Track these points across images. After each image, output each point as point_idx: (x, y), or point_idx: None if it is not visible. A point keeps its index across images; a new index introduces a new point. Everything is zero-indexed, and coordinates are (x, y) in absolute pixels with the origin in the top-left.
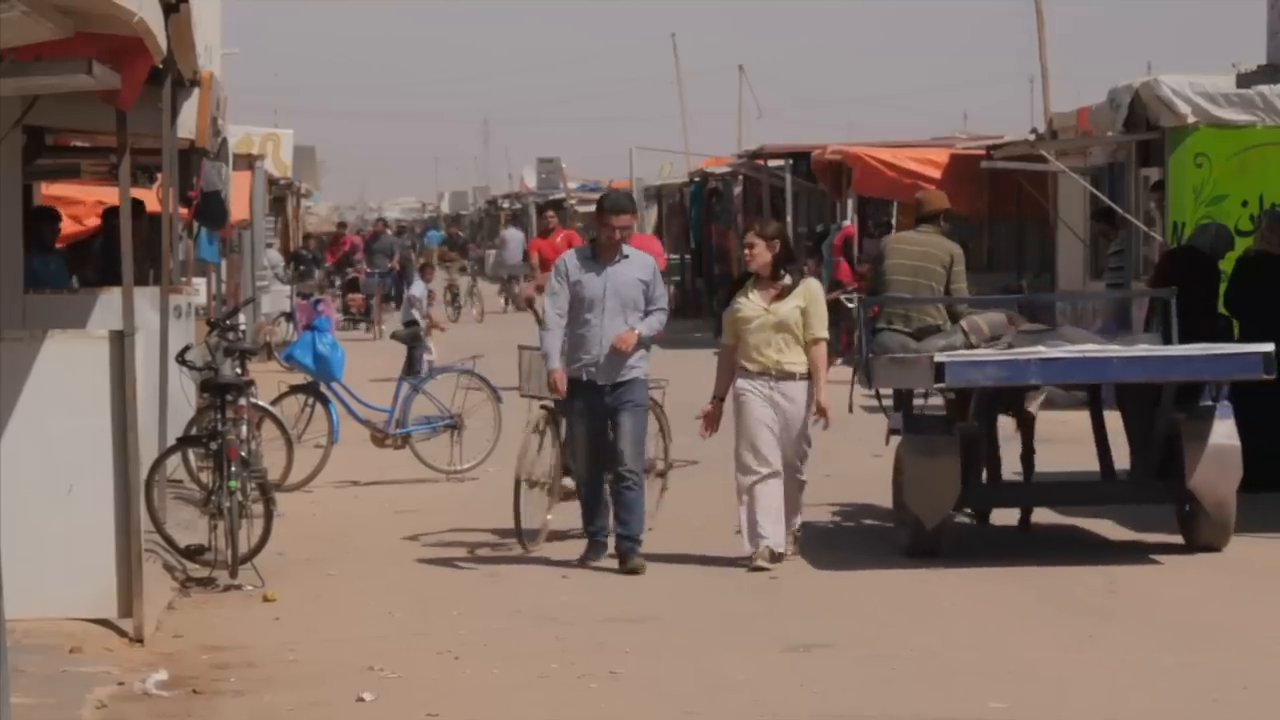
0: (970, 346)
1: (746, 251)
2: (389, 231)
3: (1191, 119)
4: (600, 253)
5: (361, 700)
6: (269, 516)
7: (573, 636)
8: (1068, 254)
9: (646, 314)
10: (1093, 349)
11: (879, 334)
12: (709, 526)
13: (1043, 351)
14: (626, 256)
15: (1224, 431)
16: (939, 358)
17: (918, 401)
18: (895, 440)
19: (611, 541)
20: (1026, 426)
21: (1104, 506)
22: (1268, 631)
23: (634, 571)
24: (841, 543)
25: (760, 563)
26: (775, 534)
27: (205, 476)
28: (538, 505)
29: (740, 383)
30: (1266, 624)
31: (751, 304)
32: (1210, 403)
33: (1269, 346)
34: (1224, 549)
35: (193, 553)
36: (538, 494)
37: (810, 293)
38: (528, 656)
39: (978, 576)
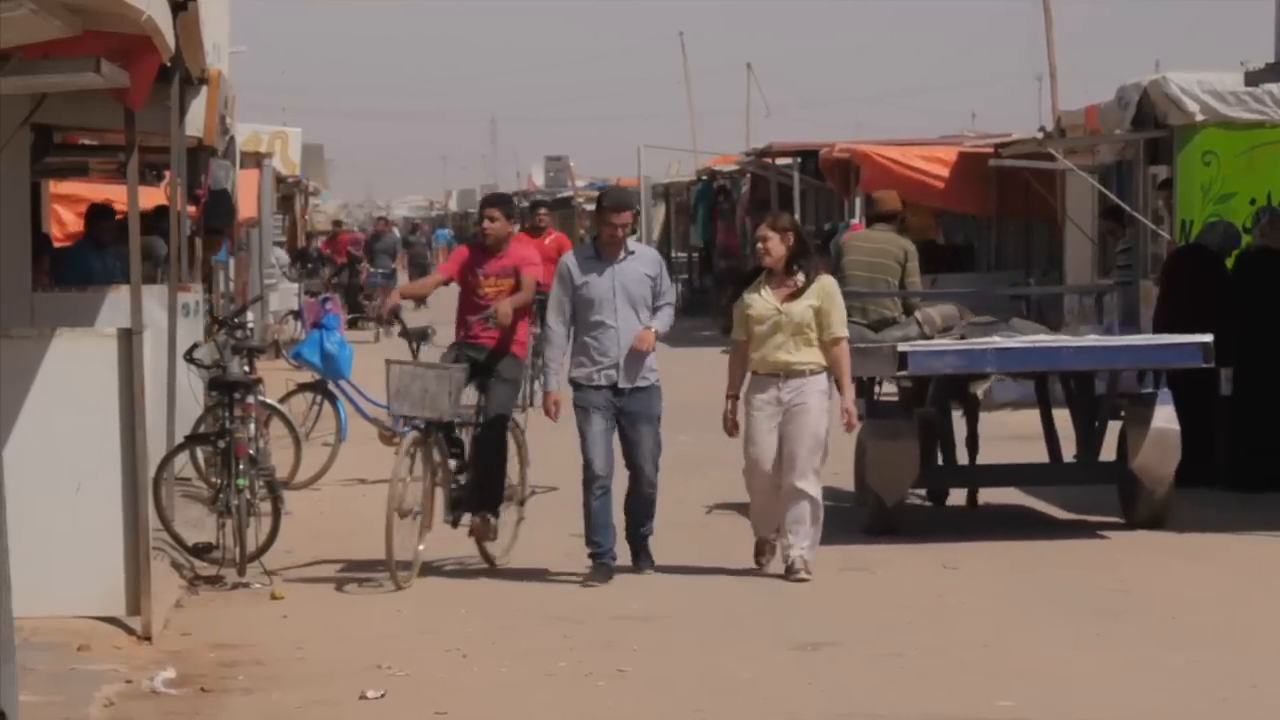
0: (925, 337)
1: (760, 246)
2: (394, 230)
3: (1200, 117)
4: (603, 250)
5: (367, 698)
6: (277, 515)
7: (580, 635)
8: (1076, 252)
9: (657, 309)
10: (1044, 339)
11: None
12: (716, 524)
13: (998, 342)
14: (632, 253)
15: (1164, 416)
16: (901, 347)
17: None
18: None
19: (607, 558)
20: (971, 411)
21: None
22: (1277, 630)
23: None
24: (847, 540)
25: (770, 569)
26: (788, 543)
27: (213, 475)
28: (408, 535)
29: (751, 390)
30: (1276, 623)
31: (763, 302)
32: (1152, 390)
33: (1208, 337)
34: (1164, 526)
35: (201, 551)
36: (408, 524)
37: (826, 290)
38: (536, 654)
39: (985, 576)
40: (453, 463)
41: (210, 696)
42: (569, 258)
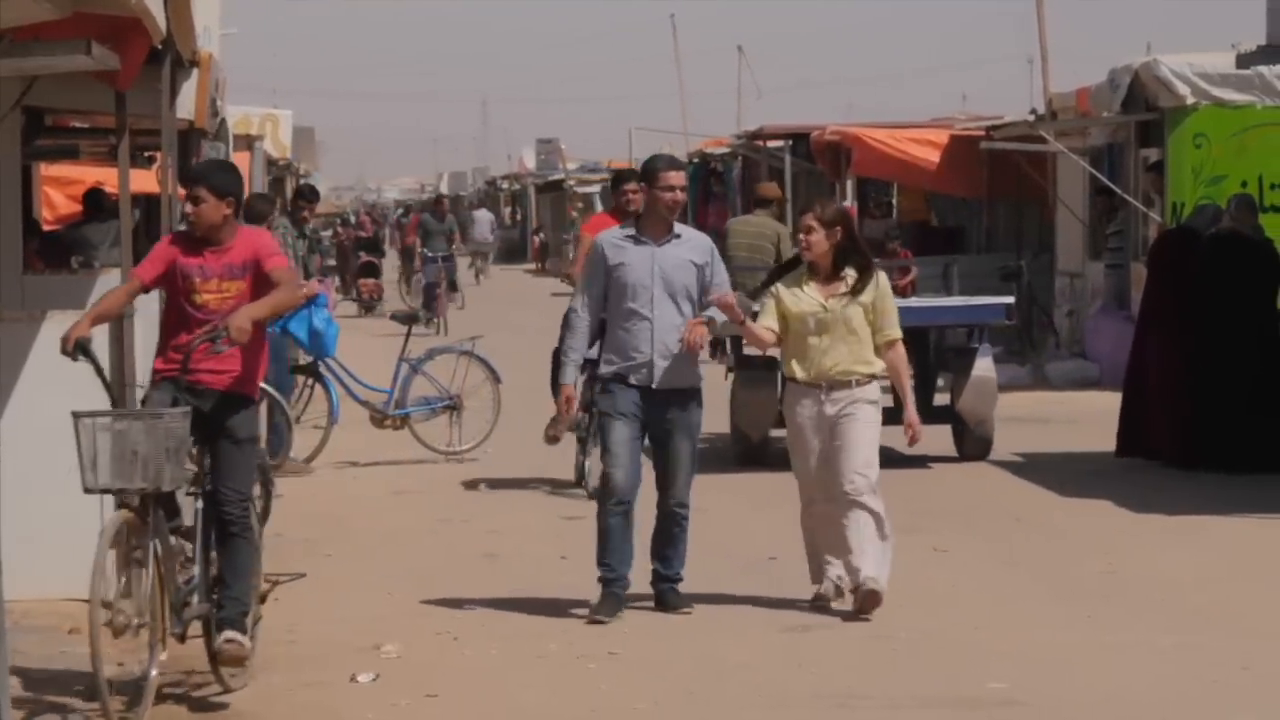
0: None
1: (802, 238)
2: (450, 212)
3: (1191, 99)
4: (647, 227)
5: (358, 681)
6: (267, 497)
7: (572, 617)
8: (1067, 234)
9: (706, 304)
10: None
11: None
12: (711, 509)
13: None
14: (678, 236)
15: (984, 366)
16: (756, 308)
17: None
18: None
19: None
20: None
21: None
22: (1267, 612)
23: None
24: None
25: (827, 600)
26: (838, 566)
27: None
28: (135, 651)
29: (791, 400)
30: (1265, 605)
31: (806, 298)
32: (974, 345)
33: (1010, 299)
34: (986, 458)
35: (192, 534)
36: (129, 641)
37: (879, 288)
38: (526, 637)
39: (975, 559)
40: (183, 546)
41: (201, 679)
42: (605, 235)
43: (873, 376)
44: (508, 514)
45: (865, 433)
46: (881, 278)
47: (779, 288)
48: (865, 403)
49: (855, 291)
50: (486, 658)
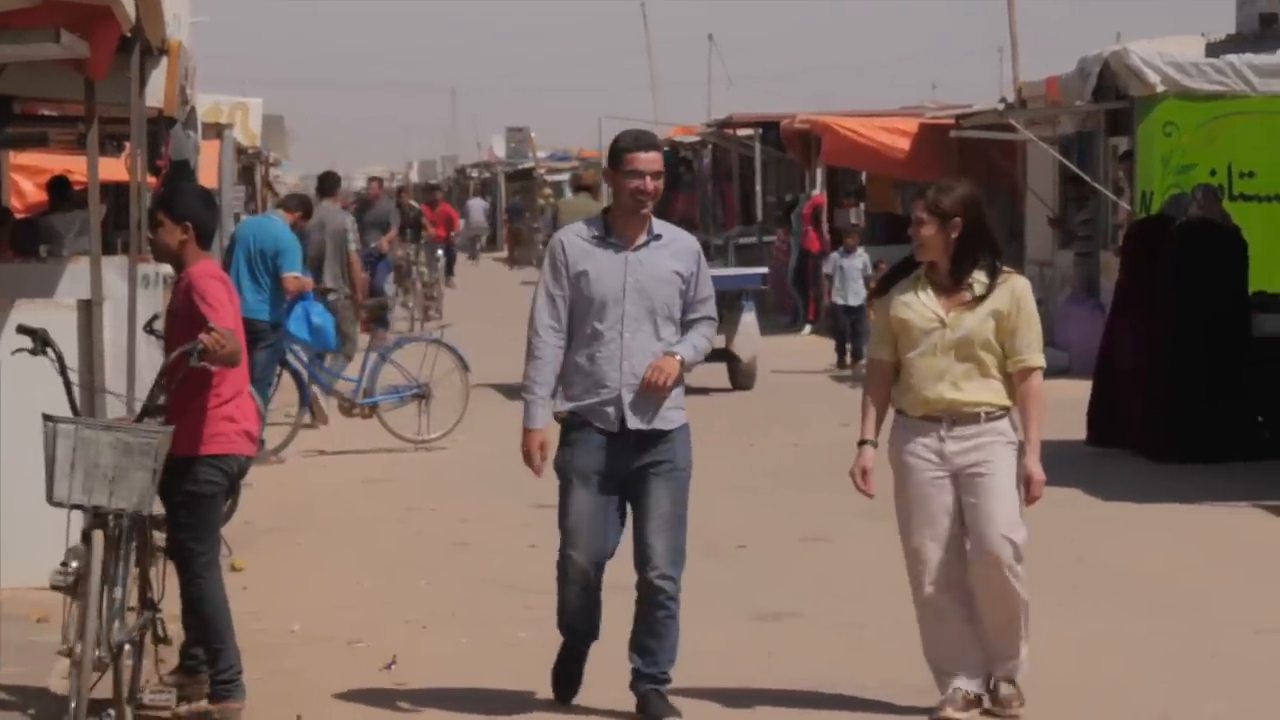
0: None
1: (913, 232)
2: (386, 197)
3: (1160, 88)
4: (618, 226)
5: (327, 670)
6: (236, 489)
7: (542, 605)
8: (1036, 223)
9: (688, 325)
10: None
11: None
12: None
13: None
14: (658, 237)
15: (748, 320)
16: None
17: None
18: None
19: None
20: None
21: None
22: (1236, 600)
23: None
24: (812, 513)
25: (950, 713)
26: (969, 670)
27: None
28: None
29: (898, 439)
30: (1234, 593)
31: (921, 308)
32: (743, 303)
33: (764, 269)
34: (753, 389)
35: (160, 522)
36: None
37: (1016, 297)
38: (496, 625)
39: None
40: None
41: (170, 667)
42: (565, 234)
43: (1007, 409)
44: (477, 502)
45: (1006, 484)
46: (1019, 283)
47: (894, 296)
48: (1002, 442)
49: (984, 301)
50: (456, 646)
